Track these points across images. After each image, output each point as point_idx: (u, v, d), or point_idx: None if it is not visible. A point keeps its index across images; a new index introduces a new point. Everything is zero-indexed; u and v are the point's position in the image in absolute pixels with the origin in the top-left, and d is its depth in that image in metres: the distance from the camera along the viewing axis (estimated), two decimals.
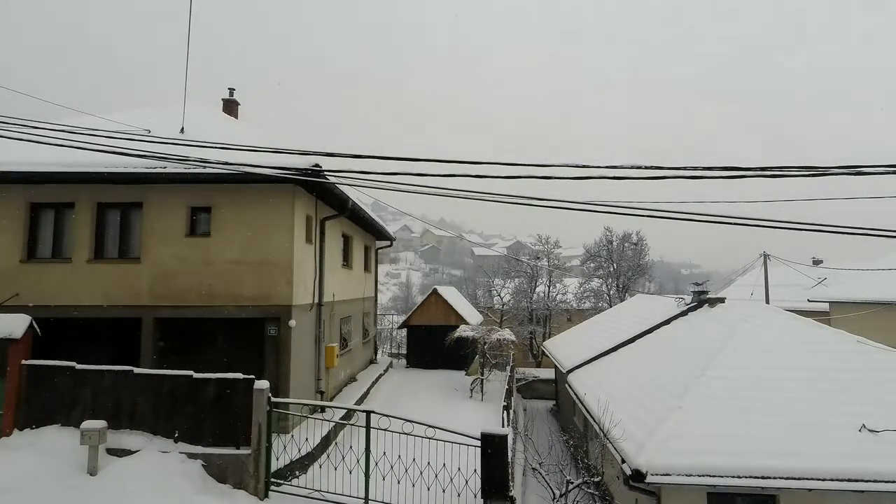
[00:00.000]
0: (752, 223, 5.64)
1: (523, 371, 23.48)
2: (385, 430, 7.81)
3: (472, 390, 16.67)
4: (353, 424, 9.66)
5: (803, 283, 26.28)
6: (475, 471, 7.66)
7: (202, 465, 7.87)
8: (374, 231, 18.39)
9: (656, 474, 7.28)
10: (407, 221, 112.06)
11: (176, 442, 8.07)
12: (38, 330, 9.07)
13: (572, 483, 8.50)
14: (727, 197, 6.59)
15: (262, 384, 8.07)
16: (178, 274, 10.36)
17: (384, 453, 7.86)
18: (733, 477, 7.16)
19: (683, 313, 14.43)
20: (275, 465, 8.25)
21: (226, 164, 7.89)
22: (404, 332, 24.25)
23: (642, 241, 33.79)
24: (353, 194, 12.62)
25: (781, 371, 9.15)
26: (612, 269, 33.31)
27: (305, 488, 8.12)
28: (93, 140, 7.05)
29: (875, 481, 7.01)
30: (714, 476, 7.20)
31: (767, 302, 22.88)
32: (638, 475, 7.34)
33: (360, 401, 14.09)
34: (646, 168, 5.68)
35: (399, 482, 7.77)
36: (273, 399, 8.22)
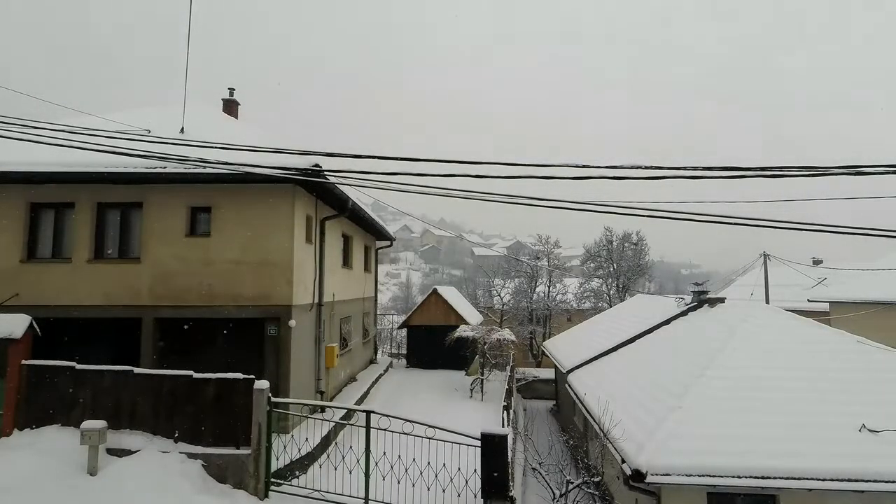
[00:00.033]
0: (752, 223, 5.65)
1: (523, 371, 23.48)
2: (385, 430, 7.81)
3: (472, 390, 16.66)
4: (353, 424, 9.66)
5: (803, 283, 26.29)
6: (475, 471, 7.66)
7: (202, 465, 7.86)
8: (374, 231, 18.39)
9: (656, 474, 7.28)
10: (407, 221, 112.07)
11: (176, 442, 8.07)
12: (38, 330, 9.07)
13: (572, 483, 8.50)
14: (727, 197, 6.61)
15: (262, 384, 8.07)
16: (178, 274, 10.36)
17: (384, 453, 7.86)
18: (733, 477, 7.16)
19: (683, 313, 14.42)
20: (275, 465, 8.25)
21: (226, 164, 7.89)
22: (404, 332, 24.26)
23: (642, 241, 33.80)
24: (353, 194, 12.62)
25: (781, 371, 9.15)
26: (612, 269, 33.31)
27: (305, 488, 8.12)
28: (93, 140, 7.05)
29: (875, 481, 7.01)
30: (714, 476, 7.20)
31: (767, 302, 22.88)
32: (638, 475, 7.34)
33: (360, 401, 14.09)
34: (646, 168, 5.68)
35: (399, 482, 7.77)
36: (273, 399, 8.22)
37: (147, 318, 10.35)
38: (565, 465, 9.37)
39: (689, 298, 15.39)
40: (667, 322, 14.34)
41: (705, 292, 14.79)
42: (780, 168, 5.32)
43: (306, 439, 9.09)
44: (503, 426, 10.75)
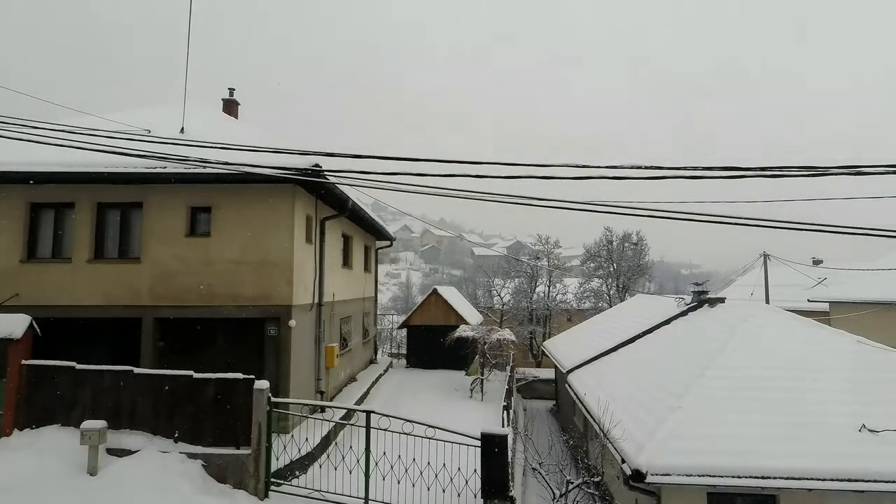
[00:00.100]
0: (752, 223, 5.64)
1: (523, 371, 23.48)
2: (385, 430, 7.81)
3: (472, 390, 16.66)
4: (353, 424, 9.66)
5: (803, 283, 26.29)
6: (475, 471, 7.65)
7: (202, 465, 7.86)
8: (374, 231, 18.39)
9: (656, 474, 7.29)
10: (407, 221, 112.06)
11: (176, 442, 8.07)
12: (38, 330, 9.07)
13: (572, 483, 8.50)
14: (727, 197, 6.59)
15: (262, 384, 8.07)
16: (178, 274, 10.36)
17: (384, 453, 7.85)
18: (733, 477, 7.16)
19: (683, 313, 14.43)
20: (275, 465, 8.25)
21: (226, 164, 7.89)
22: (404, 332, 24.26)
23: (642, 241, 33.81)
24: (353, 194, 12.62)
25: (781, 371, 9.15)
26: (612, 269, 33.33)
27: (305, 488, 8.11)
28: (93, 140, 7.05)
29: (875, 481, 7.01)
30: (714, 476, 7.20)
31: (767, 302, 22.88)
32: (638, 475, 7.34)
33: (360, 401, 14.09)
34: (646, 168, 5.68)
35: (399, 482, 7.77)
36: (273, 399, 8.22)
37: (147, 318, 10.35)
38: (565, 465, 9.37)
39: (689, 298, 15.40)
40: (667, 322, 14.34)
41: (705, 292, 14.80)
42: (780, 168, 5.32)
43: (306, 439, 9.09)
44: (503, 426, 10.75)
